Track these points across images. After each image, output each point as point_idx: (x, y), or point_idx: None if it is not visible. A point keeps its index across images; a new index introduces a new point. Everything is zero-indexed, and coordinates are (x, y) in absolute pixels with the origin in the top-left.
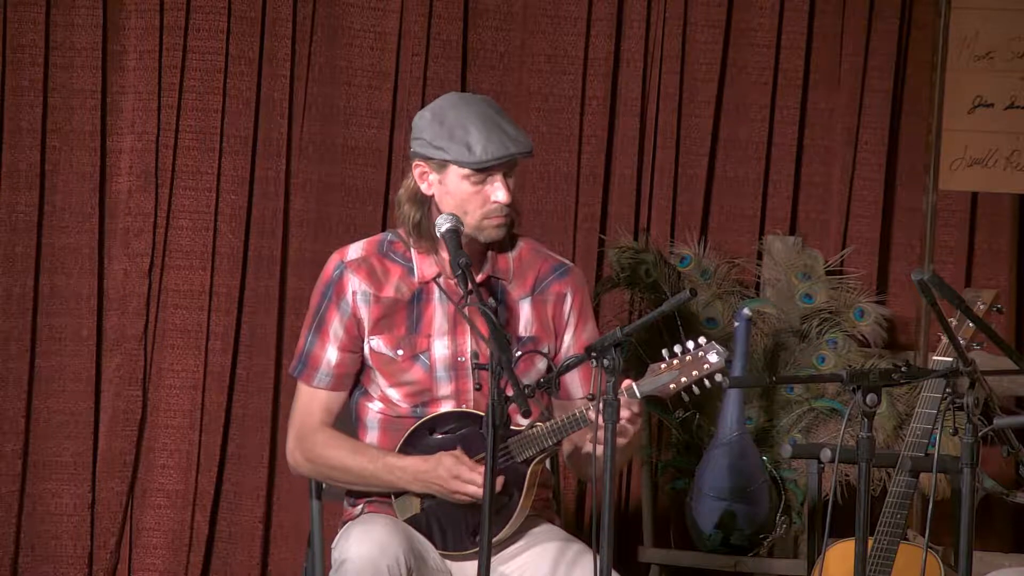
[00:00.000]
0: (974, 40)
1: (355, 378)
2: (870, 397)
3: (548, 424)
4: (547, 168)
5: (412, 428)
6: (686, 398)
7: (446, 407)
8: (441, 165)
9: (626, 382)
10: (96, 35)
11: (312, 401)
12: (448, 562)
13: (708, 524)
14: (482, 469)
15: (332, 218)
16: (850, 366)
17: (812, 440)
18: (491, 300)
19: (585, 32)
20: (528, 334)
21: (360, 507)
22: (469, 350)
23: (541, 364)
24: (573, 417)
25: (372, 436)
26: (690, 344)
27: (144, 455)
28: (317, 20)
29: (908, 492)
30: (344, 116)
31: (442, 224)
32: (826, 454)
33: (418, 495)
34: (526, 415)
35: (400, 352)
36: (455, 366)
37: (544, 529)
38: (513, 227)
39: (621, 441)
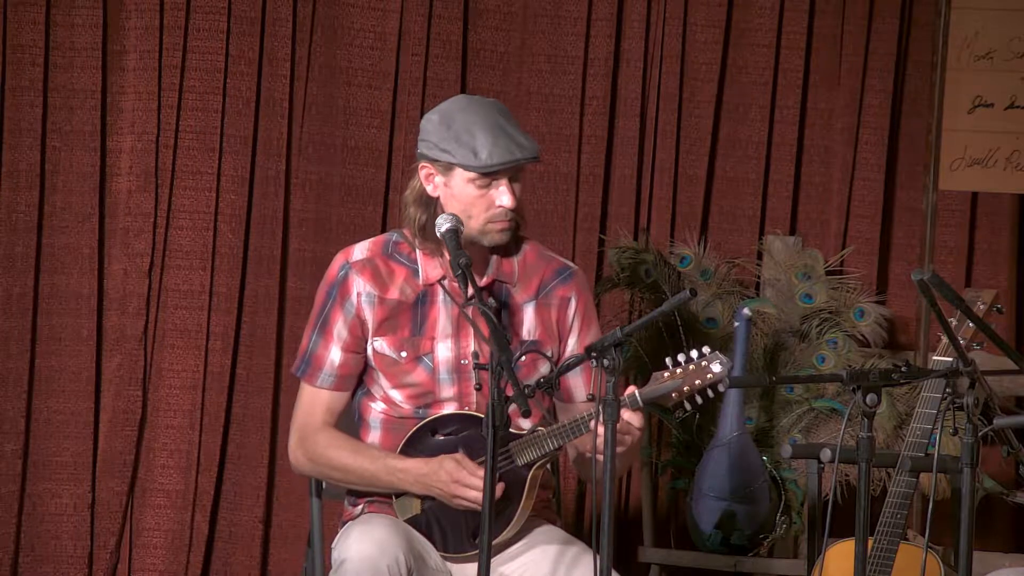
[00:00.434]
0: (974, 40)
1: (358, 378)
2: (870, 397)
3: (550, 428)
4: (547, 168)
5: (414, 429)
6: (689, 407)
7: (448, 409)
8: (447, 168)
9: (629, 389)
10: (96, 35)
11: (315, 401)
12: (448, 563)
13: (708, 524)
14: (483, 474)
15: (332, 218)
16: (850, 366)
17: (812, 440)
18: (491, 300)
19: (585, 32)
20: (531, 338)
21: (360, 507)
22: (472, 352)
23: (544, 367)
24: (575, 422)
25: (374, 436)
26: (693, 353)
27: (144, 455)
28: (317, 20)
29: (908, 492)
30: (344, 116)
31: (442, 224)
32: (826, 454)
33: (419, 496)
34: (526, 415)
35: (404, 354)
36: (458, 369)
37: (544, 530)
38: (518, 231)
39: (620, 449)
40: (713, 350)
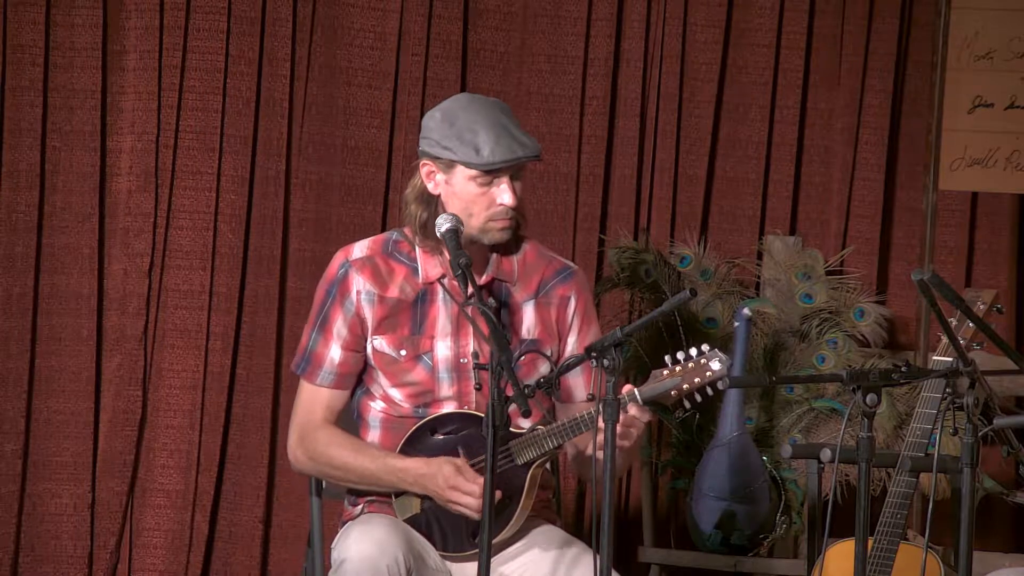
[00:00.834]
0: (974, 40)
1: (358, 377)
2: (870, 397)
3: (550, 427)
4: (547, 168)
5: (413, 428)
6: (688, 405)
7: (448, 408)
8: (448, 165)
9: (627, 387)
10: (96, 35)
11: (315, 399)
12: (448, 563)
13: (708, 524)
14: (481, 480)
15: (332, 218)
16: (850, 366)
17: (812, 440)
18: (491, 300)
19: (585, 32)
20: (531, 337)
21: (360, 507)
22: (471, 351)
23: (544, 367)
24: (575, 421)
25: (374, 435)
26: (693, 351)
27: (144, 455)
28: (317, 20)
29: (908, 492)
30: (344, 116)
31: (442, 224)
32: (826, 454)
33: (418, 495)
34: (526, 415)
35: (403, 352)
36: (457, 367)
37: (544, 530)
38: (519, 230)
39: (625, 444)
40: (712, 348)
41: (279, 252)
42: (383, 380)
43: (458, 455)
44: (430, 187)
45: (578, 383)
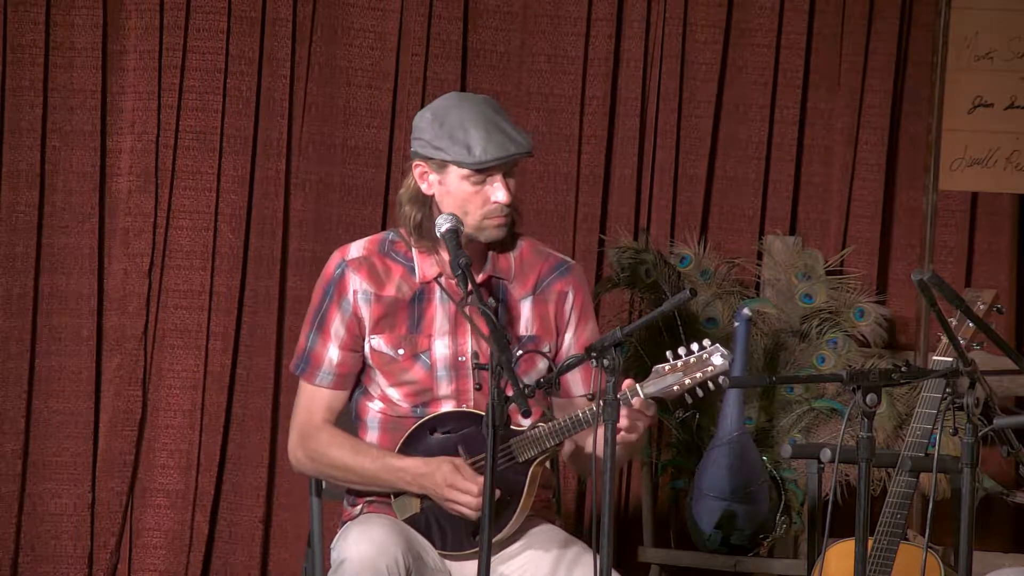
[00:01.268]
0: (974, 40)
1: (356, 377)
2: (870, 397)
3: (550, 425)
4: (547, 168)
5: (412, 428)
6: (689, 401)
7: (446, 407)
8: (441, 165)
9: (627, 382)
10: (96, 35)
11: (314, 400)
12: (447, 562)
13: (708, 524)
14: (480, 480)
15: (332, 218)
16: (850, 366)
17: (812, 440)
18: (491, 300)
19: (585, 32)
20: (529, 333)
21: (360, 507)
22: (470, 350)
23: (542, 364)
24: (575, 418)
25: (372, 436)
26: (694, 346)
27: (144, 455)
28: (317, 20)
29: (908, 492)
30: (344, 116)
31: (442, 224)
32: (826, 454)
33: (418, 495)
34: (526, 415)
35: (401, 352)
36: (455, 366)
37: (544, 529)
38: (514, 227)
39: (631, 437)
40: (714, 343)
41: (279, 252)
42: (381, 380)
43: (458, 454)
44: (424, 188)
45: (575, 380)
